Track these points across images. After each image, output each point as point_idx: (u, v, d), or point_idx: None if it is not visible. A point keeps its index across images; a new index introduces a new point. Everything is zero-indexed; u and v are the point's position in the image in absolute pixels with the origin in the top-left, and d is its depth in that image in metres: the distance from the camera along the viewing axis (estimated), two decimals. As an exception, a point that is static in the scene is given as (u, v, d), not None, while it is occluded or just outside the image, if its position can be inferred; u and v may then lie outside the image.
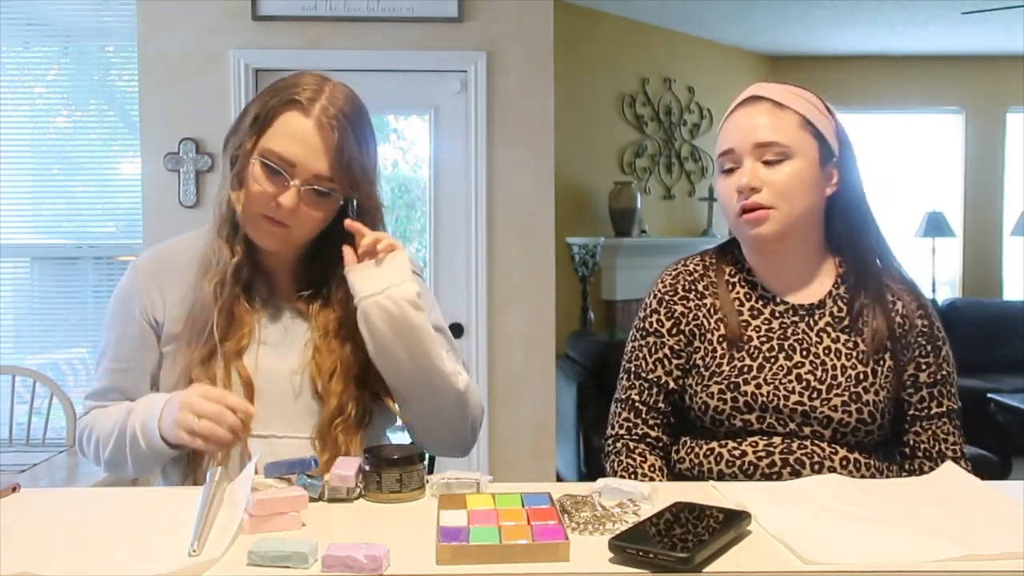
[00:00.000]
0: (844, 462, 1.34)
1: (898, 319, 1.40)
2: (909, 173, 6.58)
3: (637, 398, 1.46)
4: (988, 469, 3.64)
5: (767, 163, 1.35)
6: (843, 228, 1.42)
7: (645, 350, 1.46)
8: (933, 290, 6.25)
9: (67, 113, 3.65)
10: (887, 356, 1.38)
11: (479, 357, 3.27)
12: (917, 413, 1.41)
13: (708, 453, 1.39)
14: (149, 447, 1.28)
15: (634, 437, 1.45)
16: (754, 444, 1.36)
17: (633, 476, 1.40)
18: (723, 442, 1.38)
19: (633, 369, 1.47)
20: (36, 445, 2.65)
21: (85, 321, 3.57)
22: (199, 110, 3.22)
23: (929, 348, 1.41)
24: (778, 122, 1.36)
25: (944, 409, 1.41)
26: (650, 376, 1.45)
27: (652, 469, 1.42)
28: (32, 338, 3.58)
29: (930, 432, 1.41)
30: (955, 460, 1.37)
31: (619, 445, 1.46)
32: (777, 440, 1.35)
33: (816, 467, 1.33)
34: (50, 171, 3.61)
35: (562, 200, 3.63)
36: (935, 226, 6.19)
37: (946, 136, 6.69)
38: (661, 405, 1.45)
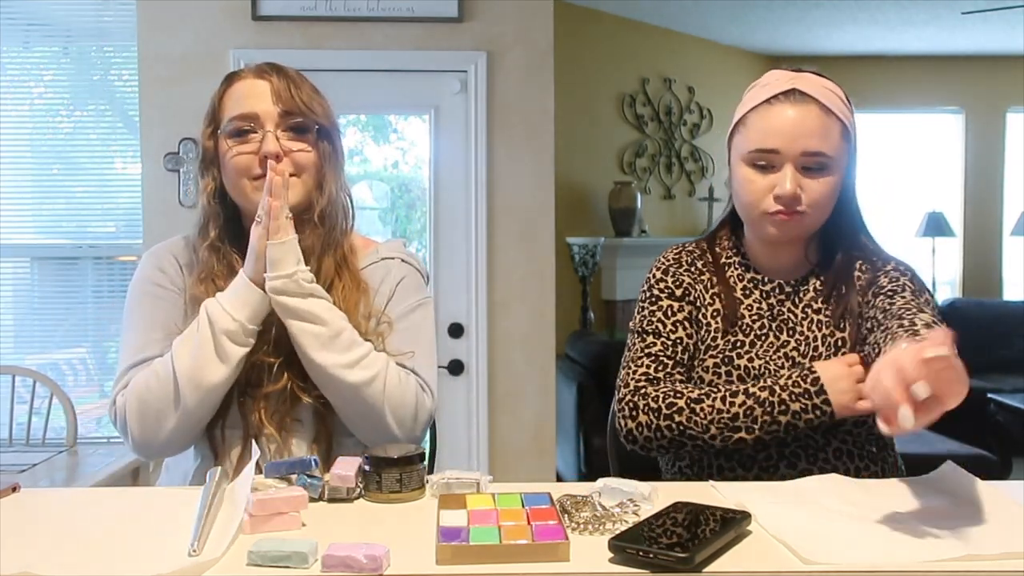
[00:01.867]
0: (837, 453, 1.36)
1: (858, 273, 1.41)
2: (909, 173, 6.58)
3: (661, 353, 1.39)
4: (988, 469, 3.64)
5: (806, 170, 1.33)
6: (835, 215, 1.41)
7: (660, 313, 1.42)
8: (933, 290, 6.25)
9: (67, 113, 3.65)
10: (850, 316, 1.38)
11: (479, 357, 3.27)
12: (883, 313, 1.30)
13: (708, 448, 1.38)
14: (239, 298, 1.29)
15: (660, 376, 1.36)
16: None
17: (666, 401, 1.31)
18: None
19: (651, 329, 1.41)
20: (36, 445, 2.65)
21: (85, 321, 3.57)
22: (199, 110, 3.15)
23: (890, 279, 1.37)
24: (826, 131, 1.33)
25: (916, 306, 1.28)
26: (672, 336, 1.41)
27: (683, 383, 1.36)
28: (32, 338, 3.58)
29: (907, 319, 1.23)
30: (929, 326, 1.19)
31: (646, 383, 1.35)
32: None
33: (811, 458, 1.35)
34: (50, 171, 3.61)
35: (562, 200, 3.63)
36: (935, 226, 6.19)
37: (946, 136, 6.69)
38: (685, 361, 1.39)
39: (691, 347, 1.41)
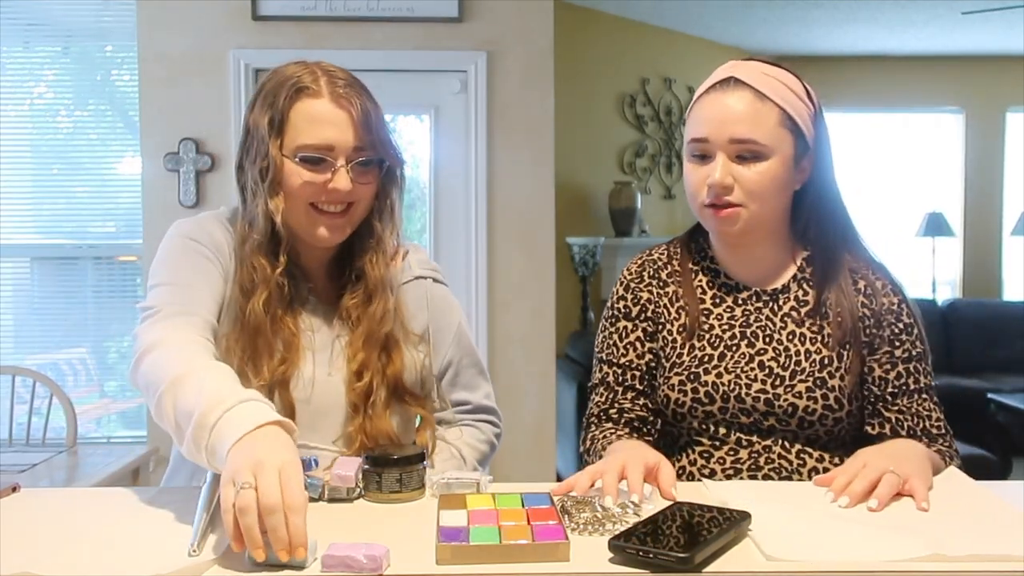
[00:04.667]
0: (813, 473, 1.30)
1: (862, 299, 1.35)
2: (909, 173, 6.57)
3: (612, 381, 1.43)
4: (988, 469, 3.64)
5: (740, 159, 1.29)
6: (811, 216, 1.37)
7: (615, 336, 1.44)
8: (933, 290, 6.25)
9: (67, 113, 3.65)
10: (851, 339, 1.34)
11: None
12: (896, 389, 1.34)
13: (679, 472, 1.35)
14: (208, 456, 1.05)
15: (611, 413, 1.42)
16: (721, 461, 1.33)
17: (589, 445, 1.42)
18: (691, 458, 1.36)
19: (605, 357, 1.45)
20: (36, 445, 2.65)
21: (85, 321, 3.57)
22: (199, 110, 3.22)
23: (901, 326, 1.35)
24: (757, 116, 1.28)
25: (923, 385, 1.36)
26: (622, 360, 1.42)
27: (631, 408, 1.43)
28: (32, 338, 3.58)
29: (913, 410, 1.34)
30: (941, 436, 1.33)
31: (591, 420, 1.45)
32: (744, 455, 1.32)
33: (786, 479, 1.30)
34: (50, 171, 3.62)
35: (562, 200, 3.63)
36: (935, 226, 6.18)
37: (946, 136, 6.69)
38: (636, 385, 1.42)
39: (644, 367, 1.42)
